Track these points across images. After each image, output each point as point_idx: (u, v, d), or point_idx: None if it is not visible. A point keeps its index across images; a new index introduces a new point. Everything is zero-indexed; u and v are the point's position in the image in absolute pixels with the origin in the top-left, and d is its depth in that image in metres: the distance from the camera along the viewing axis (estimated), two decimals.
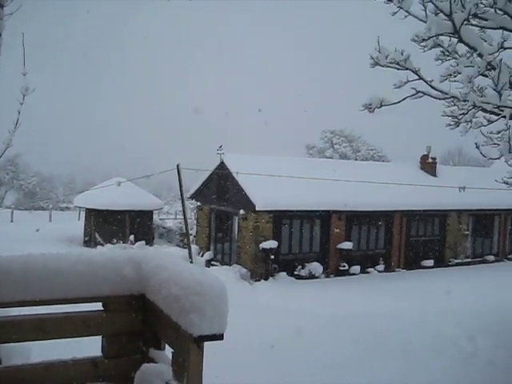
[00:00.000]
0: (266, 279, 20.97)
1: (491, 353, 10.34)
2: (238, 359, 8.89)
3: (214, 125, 63.68)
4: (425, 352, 10.37)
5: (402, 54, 9.90)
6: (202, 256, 24.22)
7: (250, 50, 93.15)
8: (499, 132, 8.89)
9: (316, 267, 22.05)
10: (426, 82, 10.13)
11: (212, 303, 2.87)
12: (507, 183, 9.03)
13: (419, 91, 10.20)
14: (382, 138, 60.99)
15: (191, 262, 13.95)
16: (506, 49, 9.65)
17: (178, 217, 38.56)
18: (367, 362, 9.64)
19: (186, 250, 15.27)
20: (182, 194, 14.57)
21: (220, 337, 2.92)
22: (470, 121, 9.09)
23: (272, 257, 21.16)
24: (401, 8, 9.79)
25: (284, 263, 21.79)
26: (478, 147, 8.59)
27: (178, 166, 14.65)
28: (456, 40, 9.97)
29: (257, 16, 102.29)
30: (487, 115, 9.57)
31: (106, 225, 29.18)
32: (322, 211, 22.71)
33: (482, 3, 10.24)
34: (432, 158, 29.30)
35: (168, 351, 3.41)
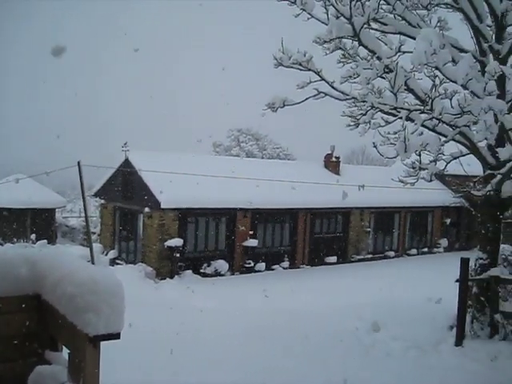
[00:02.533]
0: (172, 277, 20.83)
1: (389, 344, 10.74)
2: (136, 356, 8.85)
3: (121, 122, 62.53)
4: (324, 345, 10.64)
5: (305, 56, 10.11)
6: (107, 255, 23.76)
7: (159, 49, 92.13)
8: (396, 133, 9.24)
9: (221, 265, 22.11)
10: (327, 82, 10.40)
11: (108, 302, 2.84)
12: (402, 182, 9.40)
13: (321, 92, 10.46)
14: (289, 137, 61.93)
15: (92, 261, 13.68)
16: (404, 52, 10.02)
17: (82, 215, 37.56)
18: (264, 357, 9.82)
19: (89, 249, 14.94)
20: (82, 192, 14.26)
21: (117, 336, 2.89)
22: (369, 122, 9.41)
23: (177, 255, 21.04)
24: (304, 10, 9.99)
25: (190, 261, 21.72)
26: (375, 146, 8.90)
27: (78, 162, 14.33)
28: (357, 43, 10.29)
29: (167, 14, 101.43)
30: (385, 116, 9.94)
31: (6, 224, 28.10)
32: (228, 209, 22.81)
33: (381, 8, 10.59)
34: (336, 157, 29.99)
35: (66, 352, 3.34)
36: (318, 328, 11.96)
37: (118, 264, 23.06)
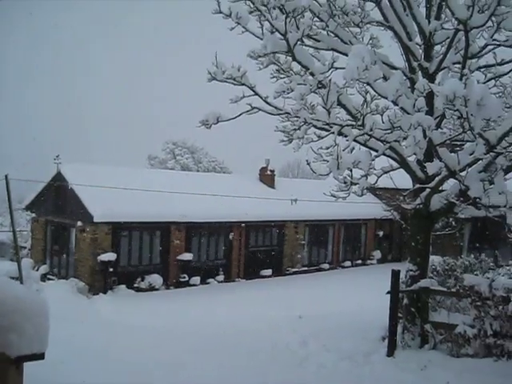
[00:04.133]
0: (105, 292, 20.44)
1: (322, 356, 10.83)
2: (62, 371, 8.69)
3: (52, 134, 61.17)
4: (259, 358, 10.65)
5: (239, 70, 10.15)
6: (38, 270, 23.12)
7: (91, 61, 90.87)
8: (328, 148, 9.37)
9: (156, 279, 21.86)
10: (261, 97, 10.47)
11: (32, 321, 2.74)
12: (334, 196, 9.53)
13: (254, 107, 10.51)
14: (224, 150, 62.01)
15: (20, 276, 13.31)
16: (336, 69, 10.19)
17: (12, 229, 36.55)
18: (193, 372, 9.77)
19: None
20: (10, 206, 13.92)
21: (41, 356, 2.79)
22: (302, 137, 9.51)
23: (111, 269, 20.68)
24: (238, 23, 10.04)
25: (123, 275, 21.36)
26: (308, 164, 9.00)
27: (6, 176, 13.97)
28: (291, 58, 10.41)
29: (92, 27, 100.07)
30: (317, 131, 10.07)
31: None
32: (162, 222, 22.59)
33: (315, 25, 10.77)
34: (270, 171, 30.19)
35: None
36: (251, 341, 11.96)
37: (49, 279, 22.48)
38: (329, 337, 12.08)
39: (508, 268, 19.61)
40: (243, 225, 25.63)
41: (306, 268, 28.62)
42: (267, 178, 30.00)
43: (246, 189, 25.84)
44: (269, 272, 26.50)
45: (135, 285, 21.42)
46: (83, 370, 9.48)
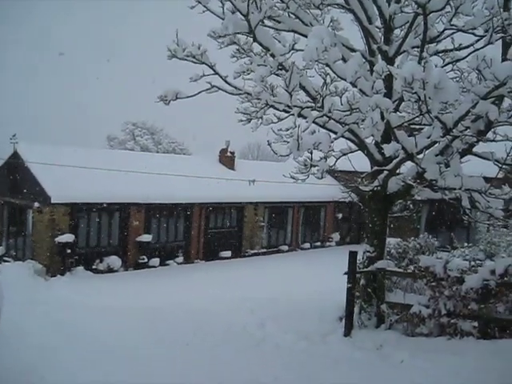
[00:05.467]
0: (63, 274, 20.20)
1: (279, 337, 10.92)
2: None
3: (8, 114, 59.91)
4: (216, 340, 10.70)
5: (199, 49, 10.09)
6: None
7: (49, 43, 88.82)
8: (288, 129, 9.39)
9: (114, 261, 21.69)
10: (221, 77, 10.43)
11: None
12: (294, 178, 9.57)
13: (214, 86, 10.47)
14: (184, 132, 61.66)
15: None
16: (297, 50, 10.20)
17: None
18: (151, 352, 9.79)
19: None
20: None
21: None
22: (261, 117, 9.52)
23: (69, 251, 20.44)
24: (199, 2, 9.98)
25: (82, 257, 21.13)
26: (269, 144, 9.02)
27: None
28: (252, 39, 10.38)
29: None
30: (277, 113, 10.09)
31: None
32: (122, 203, 22.40)
33: (276, 6, 10.74)
34: (231, 152, 30.12)
35: None
36: (210, 323, 12.00)
37: (5, 261, 22.10)
38: (286, 318, 12.18)
39: (463, 250, 20.06)
40: (203, 206, 25.58)
41: (265, 250, 28.75)
42: (227, 159, 29.94)
43: (205, 170, 25.77)
44: (228, 254, 26.55)
45: (93, 266, 21.24)
46: (42, 348, 9.44)
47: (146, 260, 22.94)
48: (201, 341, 10.61)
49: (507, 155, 9.75)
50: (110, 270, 21.48)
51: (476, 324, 10.05)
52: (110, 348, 9.96)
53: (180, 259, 24.52)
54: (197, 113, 56.16)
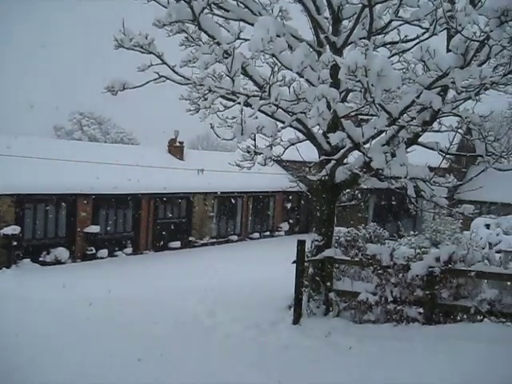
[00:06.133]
0: (8, 267, 19.78)
1: (229, 326, 10.94)
2: None
3: None
4: (166, 330, 10.64)
5: (147, 38, 9.99)
6: None
7: None
8: (234, 117, 9.38)
9: (62, 252, 21.37)
10: (168, 66, 10.34)
11: None
12: (239, 166, 9.59)
13: (162, 76, 10.38)
14: (133, 122, 60.96)
15: None
16: (245, 40, 10.17)
17: None
18: (101, 345, 9.68)
19: None
20: None
21: None
22: (209, 107, 9.48)
23: (15, 243, 20.02)
24: None
25: (28, 249, 20.75)
26: (212, 128, 9.03)
27: None
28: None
29: None
30: (224, 101, 10.07)
31: None
32: (69, 194, 22.05)
33: None
34: (179, 142, 29.97)
35: None
36: (159, 313, 11.92)
37: None
38: (236, 307, 12.19)
39: (409, 238, 20.47)
40: (151, 197, 25.40)
41: (214, 240, 28.77)
42: (176, 149, 29.79)
43: (154, 160, 25.63)
44: (177, 244, 26.48)
45: (41, 258, 20.90)
46: None
47: (94, 251, 22.67)
48: (150, 331, 10.53)
49: (450, 144, 10.00)
50: (58, 262, 21.17)
51: (421, 310, 10.28)
52: (49, 342, 9.76)
53: (129, 250, 24.33)
54: (147, 103, 55.64)
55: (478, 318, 9.93)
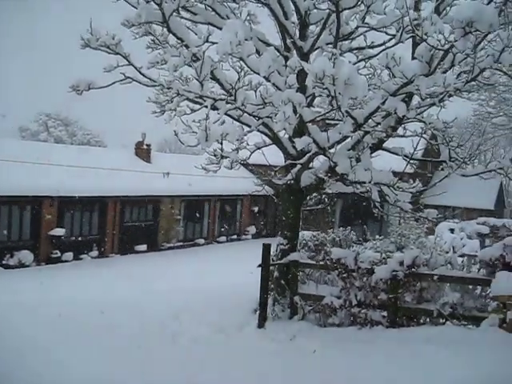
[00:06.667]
0: None
1: (195, 331, 10.89)
2: None
3: None
4: (132, 335, 10.55)
5: (114, 39, 9.93)
6: None
7: None
8: (199, 121, 9.38)
9: (26, 255, 21.13)
10: (135, 67, 10.29)
11: None
12: (205, 169, 9.60)
13: (128, 77, 10.33)
14: (100, 124, 60.40)
15: None
16: (213, 43, 10.17)
17: None
18: (62, 349, 9.56)
19: None
20: None
21: None
22: (175, 109, 9.47)
23: None
24: None
25: None
26: (176, 134, 9.02)
27: None
28: (166, 30, 10.30)
29: None
30: (191, 104, 10.06)
31: None
32: (33, 196, 21.78)
33: None
34: (147, 145, 29.87)
35: None
36: (126, 317, 11.81)
37: None
38: (202, 311, 12.14)
39: (375, 242, 20.63)
40: (117, 199, 25.22)
41: (181, 243, 28.69)
42: (143, 152, 29.67)
43: (121, 163, 25.45)
44: (144, 247, 26.37)
45: (4, 262, 20.67)
46: None
47: (59, 254, 22.46)
48: (114, 337, 10.42)
49: (414, 150, 10.13)
50: (22, 265, 20.94)
51: (385, 313, 10.37)
52: (13, 347, 9.62)
53: (94, 253, 24.14)
54: (115, 105, 55.19)
55: (441, 321, 10.04)
